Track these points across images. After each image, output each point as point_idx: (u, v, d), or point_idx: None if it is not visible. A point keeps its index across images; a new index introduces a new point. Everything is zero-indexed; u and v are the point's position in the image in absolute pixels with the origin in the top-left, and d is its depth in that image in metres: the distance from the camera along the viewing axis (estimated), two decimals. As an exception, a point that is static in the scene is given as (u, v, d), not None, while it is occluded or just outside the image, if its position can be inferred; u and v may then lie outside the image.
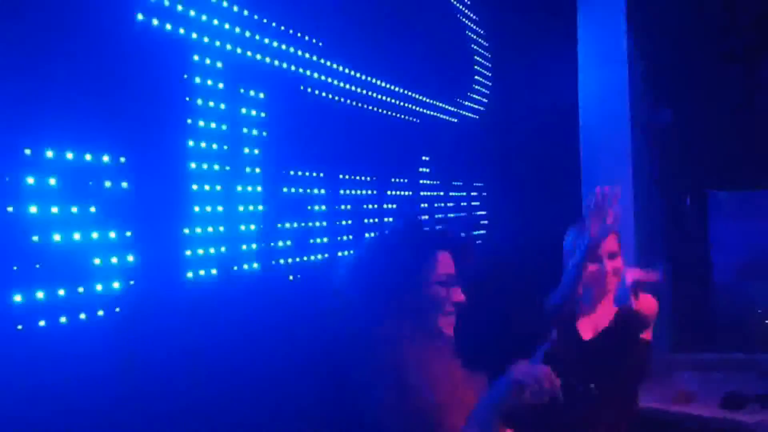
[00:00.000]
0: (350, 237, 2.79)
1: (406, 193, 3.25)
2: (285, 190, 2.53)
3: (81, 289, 1.71)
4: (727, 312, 4.57)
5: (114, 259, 1.81)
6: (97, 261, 1.76)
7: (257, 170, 2.40)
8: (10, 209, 1.52)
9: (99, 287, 1.76)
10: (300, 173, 2.62)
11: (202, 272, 2.06)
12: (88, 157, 1.77)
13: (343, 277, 2.04)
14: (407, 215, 2.10)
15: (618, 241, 2.71)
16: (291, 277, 2.41)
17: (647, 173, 4.08)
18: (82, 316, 1.68)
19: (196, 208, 2.08)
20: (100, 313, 1.74)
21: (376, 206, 3.02)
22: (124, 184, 1.86)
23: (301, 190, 2.61)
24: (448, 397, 1.86)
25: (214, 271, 2.10)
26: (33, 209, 1.59)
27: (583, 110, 4.03)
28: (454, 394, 1.89)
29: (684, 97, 4.45)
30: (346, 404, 1.82)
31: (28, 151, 1.59)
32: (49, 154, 1.65)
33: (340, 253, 2.72)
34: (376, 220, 3.00)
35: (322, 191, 2.73)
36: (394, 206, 3.08)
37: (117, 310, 1.78)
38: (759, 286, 4.60)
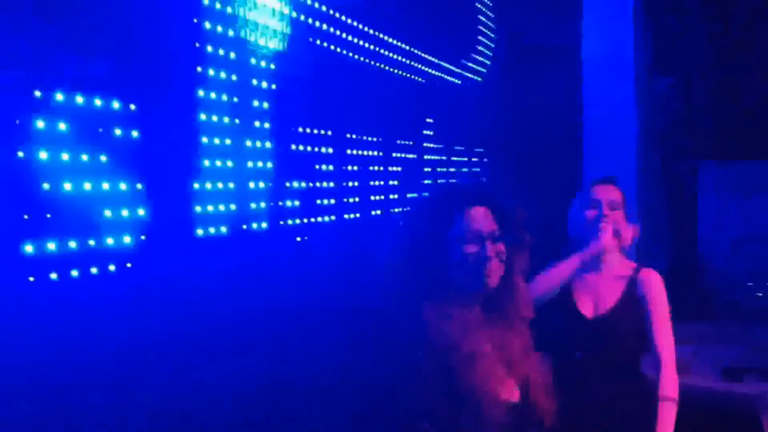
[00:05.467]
0: (356, 199, 2.71)
1: (410, 155, 3.18)
2: (293, 147, 2.44)
3: (92, 242, 1.62)
4: (717, 284, 4.61)
5: (125, 212, 1.71)
6: (108, 213, 1.67)
7: (266, 125, 2.30)
8: (20, 154, 1.41)
9: (110, 241, 1.67)
10: (308, 130, 2.53)
11: (212, 230, 1.97)
12: (97, 102, 1.66)
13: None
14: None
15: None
16: (299, 238, 2.33)
17: (647, 142, 4.04)
18: (94, 270, 1.59)
19: (207, 162, 1.98)
20: (112, 267, 1.65)
21: (381, 168, 2.94)
22: (135, 133, 1.76)
23: (309, 148, 2.52)
24: (473, 348, 1.81)
25: (224, 229, 2.01)
26: (43, 155, 1.48)
27: (586, 76, 3.94)
28: (479, 345, 1.84)
29: (683, 65, 4.41)
30: (367, 369, 1.77)
31: (38, 94, 1.48)
32: (59, 97, 1.55)
33: (346, 216, 2.64)
34: (382, 182, 2.92)
35: (330, 150, 2.64)
36: (399, 168, 3.00)
37: (128, 265, 1.69)
38: (749, 260, 4.63)
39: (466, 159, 3.89)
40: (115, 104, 1.71)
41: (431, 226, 1.90)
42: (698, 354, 3.28)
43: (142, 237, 1.74)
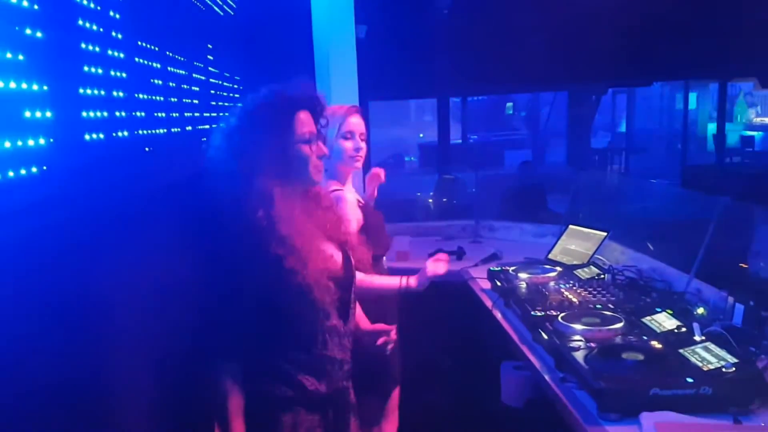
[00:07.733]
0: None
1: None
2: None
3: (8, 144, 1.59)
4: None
5: (38, 113, 1.69)
6: (27, 114, 1.64)
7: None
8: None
9: (30, 142, 1.64)
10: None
11: (94, 135, 1.99)
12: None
13: (216, 143, 2.22)
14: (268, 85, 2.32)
15: None
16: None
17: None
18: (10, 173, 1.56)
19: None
20: (34, 169, 1.64)
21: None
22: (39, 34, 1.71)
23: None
24: (310, 242, 2.22)
25: (101, 135, 2.03)
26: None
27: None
28: (315, 239, 2.27)
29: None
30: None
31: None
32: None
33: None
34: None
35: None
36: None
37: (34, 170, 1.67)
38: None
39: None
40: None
41: (274, 130, 2.21)
42: (414, 245, 4.14)
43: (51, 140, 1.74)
